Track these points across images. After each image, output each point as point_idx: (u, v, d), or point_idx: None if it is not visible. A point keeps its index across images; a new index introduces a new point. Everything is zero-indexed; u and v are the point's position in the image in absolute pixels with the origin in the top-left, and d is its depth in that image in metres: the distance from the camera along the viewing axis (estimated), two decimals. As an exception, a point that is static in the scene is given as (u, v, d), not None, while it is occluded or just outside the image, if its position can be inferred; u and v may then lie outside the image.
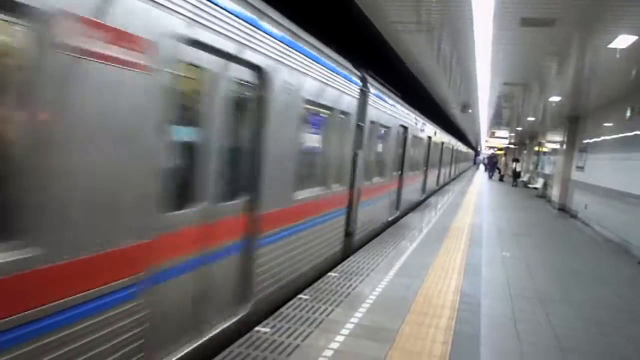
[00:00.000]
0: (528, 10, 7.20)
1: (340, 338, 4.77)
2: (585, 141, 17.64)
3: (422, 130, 16.06)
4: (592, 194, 15.62)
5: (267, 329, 4.82)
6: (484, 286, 7.15)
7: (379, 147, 10.69)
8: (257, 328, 4.83)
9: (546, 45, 9.29)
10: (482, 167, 63.22)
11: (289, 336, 4.70)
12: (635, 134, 12.08)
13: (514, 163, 36.74)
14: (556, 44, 9.06)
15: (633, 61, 9.32)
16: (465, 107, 20.52)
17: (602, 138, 15.30)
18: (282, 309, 5.42)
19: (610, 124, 14.67)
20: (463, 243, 10.27)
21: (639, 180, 11.37)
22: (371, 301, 5.96)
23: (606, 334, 5.76)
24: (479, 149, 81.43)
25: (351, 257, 8.09)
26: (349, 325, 5.11)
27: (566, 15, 7.26)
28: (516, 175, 34.51)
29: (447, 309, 5.90)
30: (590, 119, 17.49)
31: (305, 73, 5.78)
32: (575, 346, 5.24)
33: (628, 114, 12.55)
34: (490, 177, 42.12)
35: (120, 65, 2.85)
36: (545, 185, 25.52)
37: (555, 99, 15.69)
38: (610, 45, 8.30)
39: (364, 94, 8.52)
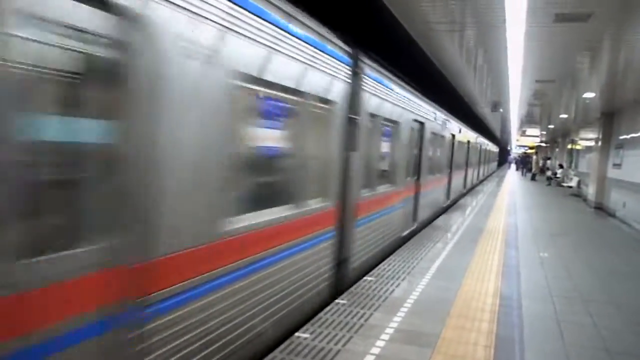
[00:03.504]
0: (562, 5, 7.05)
1: (380, 343, 4.74)
2: (621, 137, 17.19)
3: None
4: (630, 192, 15.20)
5: (306, 335, 4.81)
6: (523, 288, 7.01)
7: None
8: (297, 334, 4.83)
9: (580, 41, 9.09)
10: (513, 166, 64.37)
11: (329, 341, 4.69)
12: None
13: (547, 161, 36.21)
14: (590, 40, 8.85)
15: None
16: (495, 106, 20.20)
17: (640, 134, 14.90)
18: (320, 314, 5.41)
19: (648, 119, 14.28)
20: (499, 244, 10.11)
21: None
22: (409, 305, 5.90)
23: (655, 336, 5.58)
24: (509, 148, 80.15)
25: (386, 260, 8.06)
26: (389, 330, 5.07)
27: (601, 9, 7.09)
28: (543, 170, 34.27)
29: (487, 312, 5.81)
30: (627, 115, 17.03)
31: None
32: (624, 349, 5.08)
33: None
34: (524, 174, 42.77)
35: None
36: (579, 183, 24.96)
37: (589, 95, 15.33)
38: (648, 39, 8.09)
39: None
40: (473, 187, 26.24)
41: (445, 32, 9.23)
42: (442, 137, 14.02)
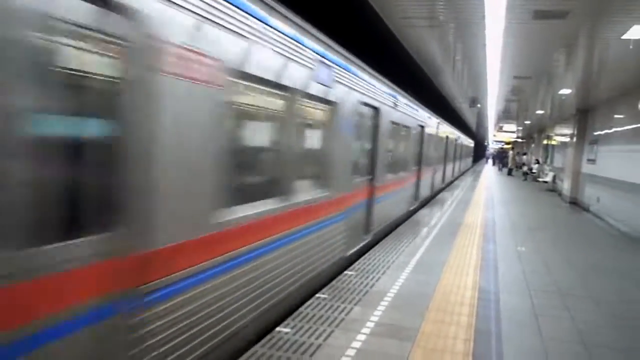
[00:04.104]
0: (541, 2, 7.12)
1: (361, 337, 4.75)
2: (596, 133, 17.50)
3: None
4: (604, 187, 15.50)
5: (287, 329, 4.80)
6: (501, 282, 7.09)
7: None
8: (277, 328, 4.81)
9: (557, 38, 9.21)
10: (489, 161, 65.55)
11: (310, 336, 4.68)
12: (648, 125, 11.99)
13: (523, 157, 36.82)
14: (568, 37, 8.97)
15: (646, 52, 9.23)
16: (473, 101, 20.36)
17: (614, 130, 15.17)
18: (301, 309, 5.40)
19: (622, 116, 14.55)
20: (477, 238, 10.21)
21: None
22: (389, 299, 5.93)
23: (632, 328, 5.69)
24: (486, 143, 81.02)
25: (366, 255, 8.08)
26: (370, 324, 5.09)
27: (579, 7, 7.18)
28: (519, 166, 34.97)
29: (466, 306, 5.87)
30: (601, 111, 17.34)
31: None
32: (600, 341, 5.18)
33: (641, 105, 12.45)
34: (500, 169, 45.46)
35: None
36: (554, 178, 25.37)
37: (565, 91, 15.56)
38: (624, 37, 8.21)
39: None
40: (435, 195, 19.09)
41: (426, 28, 9.26)
42: (335, 106, 6.52)
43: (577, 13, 7.42)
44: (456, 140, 27.28)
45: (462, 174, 36.60)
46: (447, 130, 21.43)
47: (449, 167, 24.17)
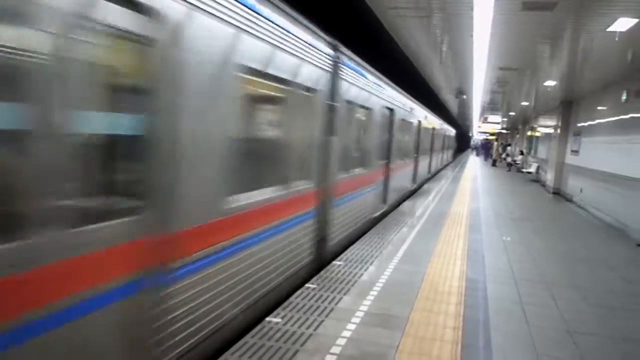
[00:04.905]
0: (529, -7, 7.16)
1: (351, 326, 4.77)
2: (579, 125, 17.69)
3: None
4: (587, 178, 15.69)
5: (278, 319, 4.81)
6: (488, 271, 7.17)
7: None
8: (267, 318, 4.82)
9: (544, 30, 9.26)
10: (474, 152, 65.95)
11: (300, 325, 4.69)
12: (632, 117, 12.12)
13: (507, 148, 37.13)
14: (554, 28, 9.02)
15: (630, 44, 9.30)
16: (459, 92, 20.45)
17: (597, 121, 15.34)
18: (290, 299, 5.41)
19: (605, 108, 14.71)
20: (463, 228, 10.30)
21: (635, 163, 11.42)
22: (378, 289, 5.96)
23: (615, 317, 5.78)
24: (471, 135, 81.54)
25: (354, 245, 8.11)
26: (359, 313, 5.12)
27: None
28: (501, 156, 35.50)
29: (454, 295, 5.92)
30: (585, 103, 17.52)
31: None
32: (584, 329, 5.27)
33: (624, 97, 12.58)
34: (485, 159, 46.74)
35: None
36: (538, 169, 25.63)
37: (550, 83, 15.69)
38: (609, 29, 8.28)
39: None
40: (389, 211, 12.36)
41: (414, 17, 9.25)
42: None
43: (564, 4, 7.45)
44: (431, 127, 25.98)
45: (443, 167, 34.66)
46: (406, 104, 19.31)
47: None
